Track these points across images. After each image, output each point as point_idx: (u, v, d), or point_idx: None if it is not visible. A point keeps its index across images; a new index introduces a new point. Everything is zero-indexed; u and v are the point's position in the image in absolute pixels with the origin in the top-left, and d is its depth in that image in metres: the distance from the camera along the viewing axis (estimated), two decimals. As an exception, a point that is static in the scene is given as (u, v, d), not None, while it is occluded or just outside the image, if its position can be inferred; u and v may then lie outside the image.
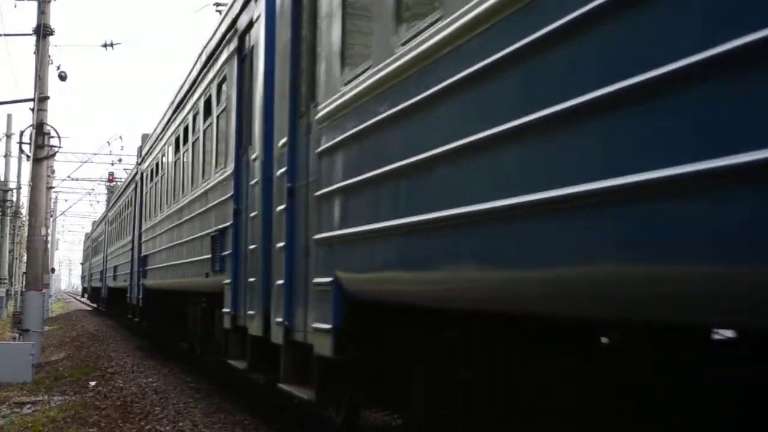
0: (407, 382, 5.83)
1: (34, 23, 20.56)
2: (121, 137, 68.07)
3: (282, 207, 7.48)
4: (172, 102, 16.66)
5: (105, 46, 28.20)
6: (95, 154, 49.01)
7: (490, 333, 5.00)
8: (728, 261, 2.45)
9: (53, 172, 44.33)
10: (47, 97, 20.36)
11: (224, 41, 11.11)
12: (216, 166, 11.46)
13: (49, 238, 45.98)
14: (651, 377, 4.23)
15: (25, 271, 26.59)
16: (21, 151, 24.62)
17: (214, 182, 11.48)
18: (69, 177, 51.22)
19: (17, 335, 20.10)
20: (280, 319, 7.33)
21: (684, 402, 4.01)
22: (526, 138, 3.47)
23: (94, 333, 29.56)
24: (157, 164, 19.20)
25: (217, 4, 18.47)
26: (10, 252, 47.02)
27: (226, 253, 10.17)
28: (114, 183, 47.29)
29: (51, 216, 50.78)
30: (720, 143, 2.44)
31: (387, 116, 5.01)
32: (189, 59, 21.82)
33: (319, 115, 6.37)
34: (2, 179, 44.24)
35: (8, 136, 43.56)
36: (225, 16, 11.28)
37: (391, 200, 5.02)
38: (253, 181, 8.99)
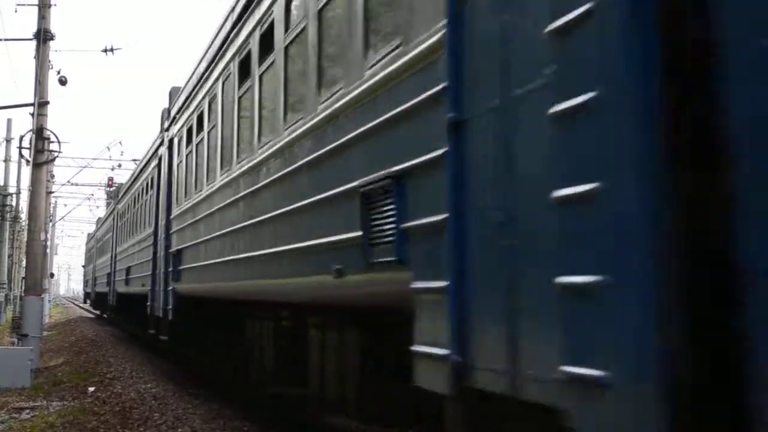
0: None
1: (34, 28, 20.56)
2: (120, 142, 68.24)
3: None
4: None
5: (105, 51, 28.20)
6: (95, 159, 49.07)
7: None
8: None
9: (53, 176, 44.31)
10: (47, 102, 20.35)
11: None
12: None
13: (49, 243, 45.94)
14: None
15: (24, 275, 26.55)
16: (21, 155, 24.64)
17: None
18: (68, 182, 51.11)
19: (16, 340, 20.06)
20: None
21: None
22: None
23: (93, 338, 29.52)
24: (200, 117, 13.32)
25: None
26: (9, 257, 46.97)
27: (423, 222, 4.81)
28: (113, 188, 47.26)
29: (50, 221, 50.71)
30: None
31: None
32: (188, 63, 21.79)
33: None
34: (2, 184, 44.22)
35: (8, 140, 43.55)
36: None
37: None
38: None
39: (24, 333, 18.73)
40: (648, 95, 2.63)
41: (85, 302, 69.59)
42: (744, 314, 2.26)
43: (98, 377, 16.53)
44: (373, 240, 5.37)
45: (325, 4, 6.74)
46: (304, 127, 7.10)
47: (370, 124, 5.53)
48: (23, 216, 44.80)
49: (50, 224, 50.30)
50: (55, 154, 21.12)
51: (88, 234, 68.42)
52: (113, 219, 35.17)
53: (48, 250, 44.58)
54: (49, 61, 20.67)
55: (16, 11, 22.47)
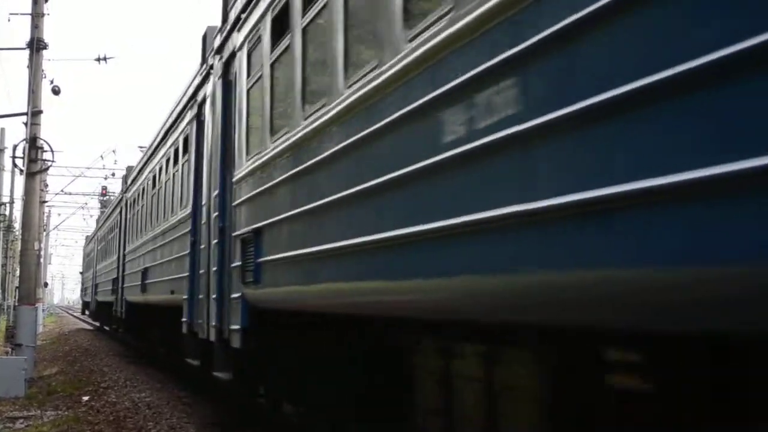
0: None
1: (27, 37, 20.57)
2: (114, 151, 68.29)
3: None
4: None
5: (98, 60, 28.18)
6: (88, 168, 48.98)
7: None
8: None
9: (46, 186, 44.30)
10: (40, 111, 20.34)
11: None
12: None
13: (42, 253, 45.85)
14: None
15: (18, 285, 26.51)
16: (14, 165, 24.65)
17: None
18: (62, 191, 51.17)
19: (10, 350, 20.03)
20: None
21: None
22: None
23: (87, 348, 29.48)
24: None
25: None
26: (3, 266, 46.91)
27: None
28: (106, 197, 47.20)
29: (44, 230, 50.65)
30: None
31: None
32: (181, 71, 21.37)
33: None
34: (-5, 193, 44.15)
35: (1, 150, 43.52)
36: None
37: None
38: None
39: (18, 342, 18.71)
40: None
41: (83, 313, 62.42)
42: None
43: (92, 386, 16.51)
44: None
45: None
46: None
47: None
48: (17, 225, 44.73)
49: (44, 233, 50.24)
50: (49, 163, 21.08)
51: (87, 237, 62.13)
52: (120, 212, 28.01)
53: (42, 260, 44.48)
54: (43, 71, 20.65)
55: (9, 20, 22.50)
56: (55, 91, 23.55)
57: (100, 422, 11.91)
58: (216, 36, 11.60)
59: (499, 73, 3.61)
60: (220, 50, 10.99)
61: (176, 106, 15.93)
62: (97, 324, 45.23)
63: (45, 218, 52.34)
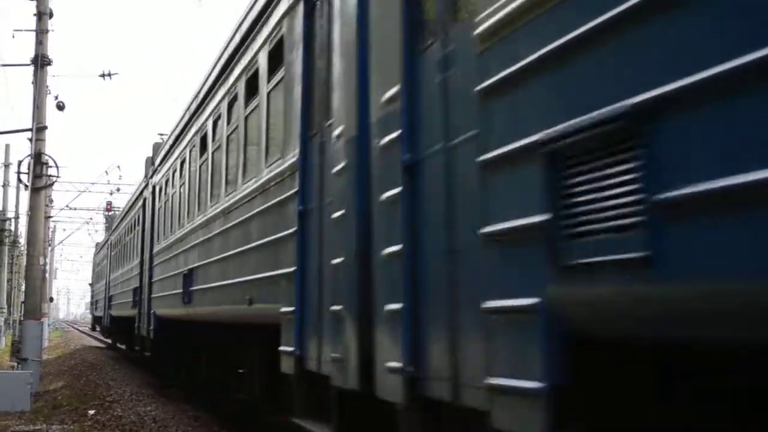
0: None
1: (32, 53, 20.70)
2: (119, 167, 68.24)
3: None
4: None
5: (102, 75, 28.33)
6: (93, 183, 49.28)
7: None
8: None
9: (51, 201, 44.42)
10: (45, 127, 20.46)
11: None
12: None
13: (48, 268, 45.95)
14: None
15: (23, 300, 26.58)
16: (19, 180, 24.70)
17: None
18: (67, 206, 51.28)
19: (16, 364, 20.09)
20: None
21: None
22: None
23: (93, 362, 29.50)
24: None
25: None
26: (8, 281, 47.01)
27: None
28: (112, 212, 47.31)
29: (49, 245, 50.77)
30: None
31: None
32: (188, 88, 21.67)
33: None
34: (0, 209, 44.31)
35: (6, 165, 43.72)
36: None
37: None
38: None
39: (24, 357, 18.76)
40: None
41: (93, 328, 56.85)
42: None
43: (98, 400, 16.55)
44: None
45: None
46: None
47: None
48: (22, 241, 44.86)
49: (49, 248, 50.34)
50: (54, 178, 21.18)
51: (97, 244, 56.73)
52: (144, 205, 22.46)
53: (47, 275, 44.60)
54: (47, 87, 20.78)
55: (13, 37, 22.63)
56: (60, 107, 23.67)
57: (106, 436, 11.94)
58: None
59: None
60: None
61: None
62: (109, 341, 42.03)
63: (50, 233, 52.48)
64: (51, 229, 55.30)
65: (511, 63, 3.61)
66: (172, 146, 17.12)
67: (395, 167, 4.96)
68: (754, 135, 2.32)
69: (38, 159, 20.00)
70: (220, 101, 11.76)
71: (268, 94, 8.96)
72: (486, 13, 3.86)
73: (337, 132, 6.24)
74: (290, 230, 7.47)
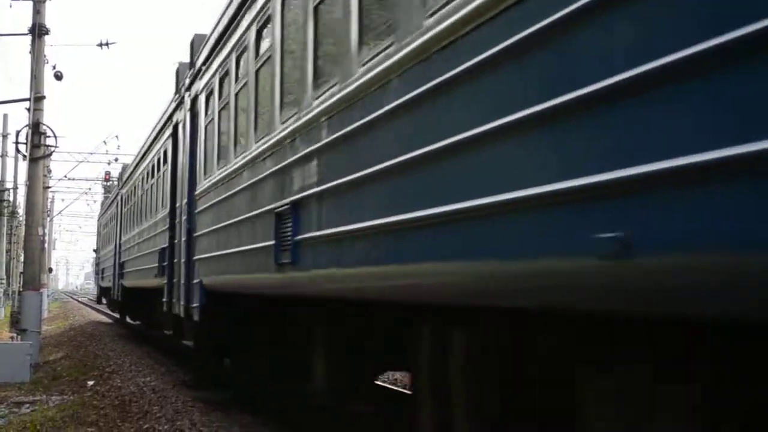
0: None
1: (29, 23, 20.54)
2: (117, 136, 68.32)
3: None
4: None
5: (100, 45, 28.13)
6: (92, 153, 48.86)
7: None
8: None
9: (50, 171, 44.30)
10: (43, 97, 20.34)
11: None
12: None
13: (47, 238, 45.94)
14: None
15: (22, 270, 26.56)
16: (17, 151, 24.60)
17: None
18: (65, 176, 51.10)
19: (15, 335, 20.10)
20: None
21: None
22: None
23: (92, 332, 29.55)
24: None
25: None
26: (7, 252, 46.98)
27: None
28: (110, 182, 47.21)
29: (48, 216, 50.73)
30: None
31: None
32: (183, 54, 21.03)
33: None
34: (-1, 179, 44.20)
35: (4, 136, 43.53)
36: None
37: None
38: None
39: (23, 328, 18.76)
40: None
41: (99, 301, 48.47)
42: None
43: (97, 371, 16.57)
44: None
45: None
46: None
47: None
48: (20, 211, 44.80)
49: (48, 219, 50.30)
50: (52, 149, 21.07)
51: (102, 203, 46.09)
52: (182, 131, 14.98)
53: (46, 245, 44.58)
54: (45, 56, 20.64)
55: (10, 6, 22.43)
56: (58, 77, 23.52)
57: (106, 406, 11.95)
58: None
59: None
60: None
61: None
62: (117, 316, 35.82)
63: (48, 204, 52.43)
64: (49, 200, 55.24)
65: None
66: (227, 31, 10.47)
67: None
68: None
69: (36, 129, 19.90)
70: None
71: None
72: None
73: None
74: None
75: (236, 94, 9.88)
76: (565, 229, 3.22)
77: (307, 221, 6.61)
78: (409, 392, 6.96)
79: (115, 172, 46.17)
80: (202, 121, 12.43)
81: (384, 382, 13.33)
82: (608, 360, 3.82)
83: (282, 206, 7.28)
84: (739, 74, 2.44)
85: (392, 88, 4.83)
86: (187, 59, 14.90)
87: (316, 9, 6.61)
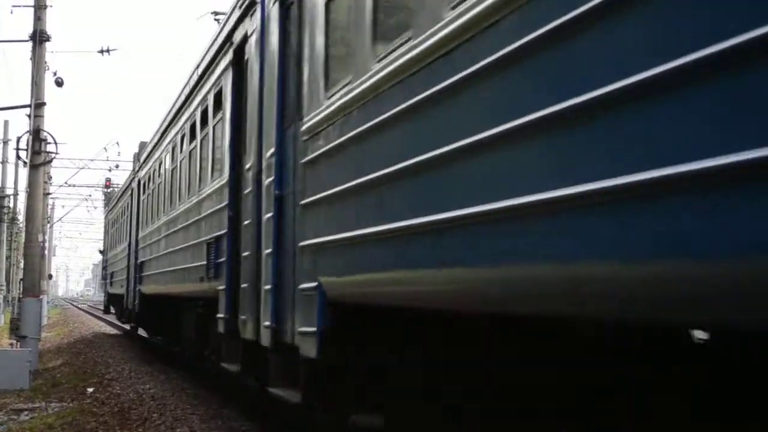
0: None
1: (30, 29, 20.55)
2: (118, 143, 68.29)
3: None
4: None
5: (101, 51, 28.20)
6: (92, 160, 48.89)
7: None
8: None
9: (50, 178, 44.30)
10: (44, 104, 20.33)
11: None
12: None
13: (47, 245, 45.89)
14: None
15: (22, 277, 26.53)
16: (18, 157, 24.57)
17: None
18: (66, 183, 51.13)
19: (14, 342, 20.06)
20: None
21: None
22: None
23: (92, 339, 29.50)
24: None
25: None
26: (7, 258, 46.98)
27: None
28: (110, 189, 47.20)
29: (48, 222, 50.71)
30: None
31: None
32: (187, 65, 20.33)
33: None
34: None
35: (5, 142, 43.56)
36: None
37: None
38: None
39: (22, 335, 18.72)
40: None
41: (106, 311, 39.04)
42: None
43: (97, 378, 16.53)
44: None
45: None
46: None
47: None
48: (21, 218, 44.80)
49: (48, 226, 50.29)
50: (52, 155, 21.08)
51: (110, 195, 40.53)
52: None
53: (46, 252, 44.53)
54: (46, 63, 20.66)
55: (11, 12, 22.48)
56: (59, 83, 23.55)
57: (105, 414, 11.92)
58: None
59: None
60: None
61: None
62: (127, 328, 29.64)
63: (49, 210, 52.42)
64: (50, 206, 55.23)
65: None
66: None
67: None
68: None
69: (37, 135, 19.89)
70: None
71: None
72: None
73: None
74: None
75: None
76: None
77: None
78: None
79: (116, 179, 46.16)
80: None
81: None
82: None
83: None
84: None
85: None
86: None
87: None
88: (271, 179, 7.87)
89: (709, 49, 2.51)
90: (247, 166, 9.26)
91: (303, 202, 6.75)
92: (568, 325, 4.79)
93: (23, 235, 28.97)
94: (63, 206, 69.78)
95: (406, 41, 4.66)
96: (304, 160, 6.83)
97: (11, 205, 45.87)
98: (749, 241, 2.37)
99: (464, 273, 4.08)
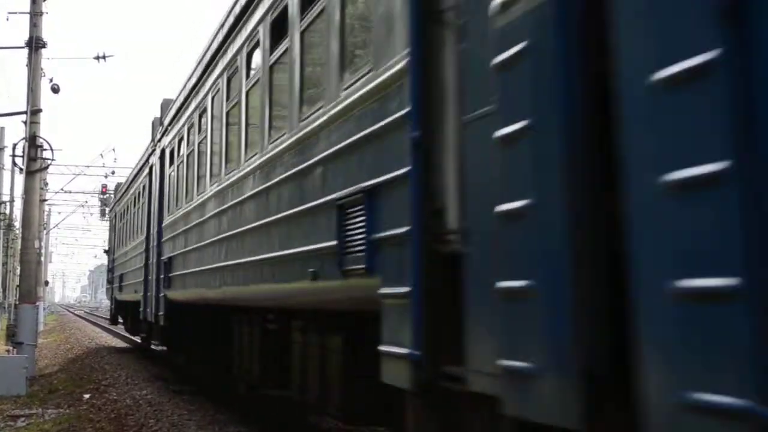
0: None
1: (26, 36, 20.58)
2: (114, 149, 67.98)
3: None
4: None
5: (97, 58, 28.16)
6: (88, 166, 48.81)
7: None
8: None
9: (46, 184, 44.26)
10: (40, 110, 20.35)
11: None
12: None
13: (43, 251, 45.85)
14: None
15: (18, 284, 26.53)
16: (14, 163, 24.67)
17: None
18: (62, 189, 51.11)
19: (11, 348, 20.05)
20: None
21: None
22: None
23: (88, 345, 29.50)
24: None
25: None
26: (3, 265, 46.93)
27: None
28: (106, 195, 47.17)
29: (44, 229, 50.67)
30: None
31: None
32: (181, 70, 19.90)
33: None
34: (-5, 192, 44.18)
35: (1, 149, 43.53)
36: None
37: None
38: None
39: (19, 341, 18.72)
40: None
41: (113, 322, 31.36)
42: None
43: (93, 384, 16.53)
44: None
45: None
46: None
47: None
48: (17, 224, 44.75)
49: (44, 232, 50.25)
50: (49, 161, 21.10)
51: (118, 185, 32.69)
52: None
53: (42, 258, 44.49)
54: (42, 69, 20.67)
55: (7, 19, 22.52)
56: (55, 90, 23.56)
57: (102, 420, 11.93)
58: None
59: None
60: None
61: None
62: (138, 340, 25.75)
63: (45, 217, 52.38)
64: (46, 213, 55.19)
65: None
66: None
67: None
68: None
69: (33, 142, 19.91)
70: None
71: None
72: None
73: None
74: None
75: None
76: None
77: None
78: None
79: (111, 185, 46.12)
80: None
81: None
82: None
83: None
84: None
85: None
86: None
87: None
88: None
89: None
90: None
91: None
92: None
93: (19, 241, 29.00)
94: (59, 213, 69.53)
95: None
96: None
97: (7, 211, 45.86)
98: None
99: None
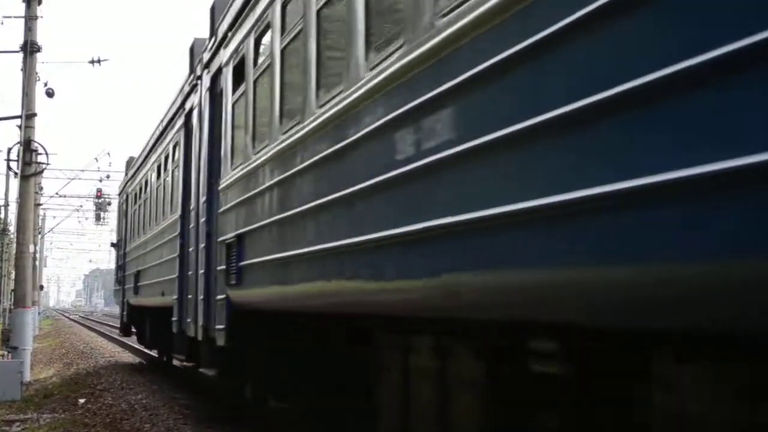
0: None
1: (21, 40, 20.55)
2: (109, 153, 68.20)
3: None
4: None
5: (92, 62, 28.20)
6: (83, 170, 48.79)
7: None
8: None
9: (41, 188, 44.22)
10: (34, 114, 20.32)
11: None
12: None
13: (38, 255, 45.81)
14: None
15: (13, 288, 26.48)
16: (8, 168, 24.54)
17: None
18: (57, 194, 51.02)
19: (6, 353, 20.01)
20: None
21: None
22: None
23: (83, 350, 29.44)
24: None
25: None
26: (-2, 269, 46.79)
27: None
28: (102, 199, 47.11)
29: (39, 233, 50.58)
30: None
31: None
32: (176, 72, 20.02)
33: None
34: (-10, 196, 44.10)
35: (-5, 153, 43.44)
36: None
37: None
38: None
39: (14, 345, 18.68)
40: None
41: (125, 333, 24.42)
42: None
43: (89, 389, 16.49)
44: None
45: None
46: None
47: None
48: (12, 228, 44.68)
49: (39, 236, 50.16)
50: (43, 166, 21.05)
51: (129, 161, 24.70)
52: None
53: (37, 263, 44.45)
54: (36, 73, 20.65)
55: (2, 23, 22.52)
56: (49, 94, 23.56)
57: (97, 424, 11.90)
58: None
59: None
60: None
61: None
62: (160, 358, 20.53)
63: (40, 221, 52.29)
64: (41, 217, 55.11)
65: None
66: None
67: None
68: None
69: (28, 146, 19.87)
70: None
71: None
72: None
73: (191, 207, 12.29)
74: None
75: None
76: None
77: None
78: None
79: (107, 189, 46.06)
80: None
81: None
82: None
83: None
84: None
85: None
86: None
87: None
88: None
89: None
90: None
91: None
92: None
93: (14, 246, 28.93)
94: (54, 217, 69.38)
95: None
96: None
97: (2, 215, 45.78)
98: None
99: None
